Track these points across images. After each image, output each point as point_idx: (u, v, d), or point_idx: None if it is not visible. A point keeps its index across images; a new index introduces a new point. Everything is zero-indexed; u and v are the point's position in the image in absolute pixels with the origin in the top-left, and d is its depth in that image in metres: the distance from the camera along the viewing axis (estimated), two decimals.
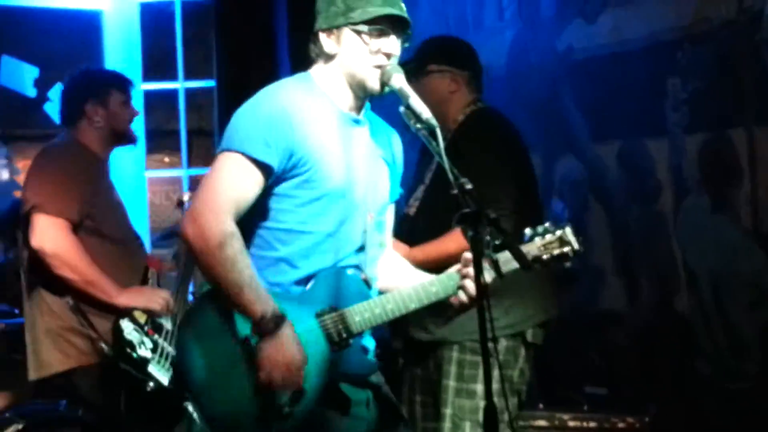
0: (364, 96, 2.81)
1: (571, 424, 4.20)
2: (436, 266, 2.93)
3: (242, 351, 2.64)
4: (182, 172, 6.42)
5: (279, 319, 2.61)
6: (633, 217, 4.85)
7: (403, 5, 2.76)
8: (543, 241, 2.77)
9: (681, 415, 4.40)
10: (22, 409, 4.14)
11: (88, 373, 3.79)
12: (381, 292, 2.86)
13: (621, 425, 4.15)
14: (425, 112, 2.67)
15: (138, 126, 6.08)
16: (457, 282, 2.76)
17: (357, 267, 2.82)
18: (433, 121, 2.66)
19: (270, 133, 2.66)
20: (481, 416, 2.97)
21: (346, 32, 2.74)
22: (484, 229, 2.50)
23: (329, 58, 2.79)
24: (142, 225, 5.96)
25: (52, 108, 6.09)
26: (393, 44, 2.75)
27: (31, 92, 6.41)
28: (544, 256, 2.77)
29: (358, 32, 2.72)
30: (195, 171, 6.34)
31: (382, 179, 2.91)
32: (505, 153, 3.61)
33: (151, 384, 3.66)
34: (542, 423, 4.20)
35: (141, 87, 6.19)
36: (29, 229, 3.71)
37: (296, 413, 2.65)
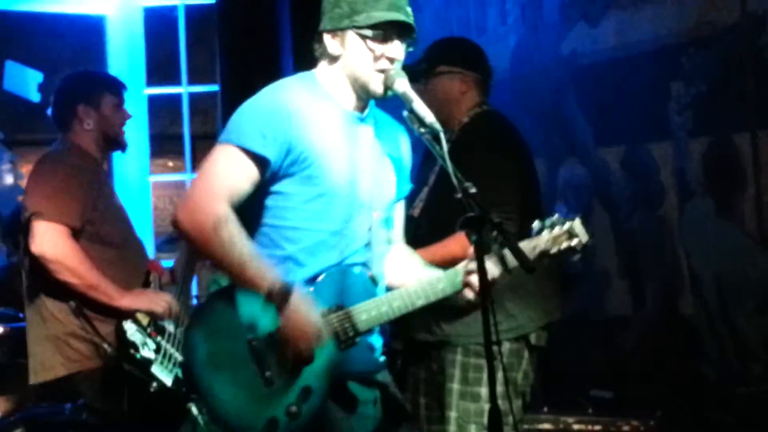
0: (366, 97, 2.82)
1: (576, 427, 4.19)
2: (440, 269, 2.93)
3: (249, 351, 2.64)
4: (186, 177, 6.42)
5: (287, 288, 2.61)
6: (637, 221, 4.84)
7: (409, 9, 2.75)
8: (551, 234, 2.76)
9: (686, 419, 4.39)
10: (27, 413, 4.13)
11: (90, 377, 3.79)
12: (389, 288, 2.86)
13: (626, 429, 4.14)
14: (429, 117, 2.67)
15: (141, 131, 6.15)
16: (463, 277, 2.75)
17: (364, 264, 2.82)
18: (437, 126, 2.66)
19: (268, 127, 2.67)
20: (485, 419, 2.97)
21: (351, 35, 2.74)
22: (488, 233, 2.50)
23: (333, 59, 2.79)
24: (146, 230, 5.97)
25: None
26: (397, 49, 2.74)
27: (36, 97, 6.42)
28: (553, 250, 2.76)
29: (363, 36, 2.72)
30: None
31: (389, 176, 2.90)
32: (509, 156, 3.61)
33: (155, 385, 3.66)
34: (547, 426, 4.20)
35: (145, 92, 6.21)
36: (30, 236, 3.72)
37: (304, 411, 2.65)
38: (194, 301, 4.16)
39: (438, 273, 2.82)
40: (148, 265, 4.02)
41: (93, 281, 3.71)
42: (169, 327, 3.85)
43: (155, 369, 3.68)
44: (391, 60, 2.73)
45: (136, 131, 5.97)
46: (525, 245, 2.74)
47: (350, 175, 2.76)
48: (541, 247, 2.75)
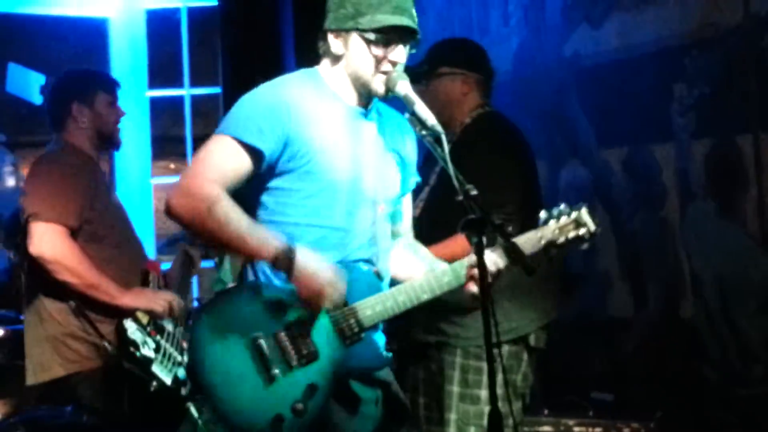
0: (368, 97, 2.82)
1: (577, 429, 4.19)
2: None
3: (255, 348, 2.64)
4: None
5: (291, 250, 2.62)
6: (639, 223, 4.84)
7: (414, 12, 2.75)
8: (558, 224, 2.72)
9: (687, 421, 4.39)
10: (27, 416, 4.12)
11: (89, 377, 3.79)
12: (396, 281, 2.84)
13: (626, 431, 4.14)
14: (430, 119, 2.68)
15: (143, 133, 6.15)
16: (467, 270, 2.73)
17: (368, 260, 2.81)
18: (438, 128, 2.66)
19: (265, 120, 2.68)
20: (485, 421, 2.97)
21: (354, 37, 2.74)
22: (490, 234, 2.50)
23: (336, 58, 2.79)
24: (147, 232, 5.97)
25: None
26: (400, 53, 2.74)
27: (38, 100, 6.40)
28: (560, 240, 2.72)
29: (366, 40, 2.72)
30: None
31: (393, 171, 2.90)
32: (510, 157, 3.61)
33: (155, 383, 3.66)
34: (547, 429, 4.20)
35: (147, 94, 6.21)
36: (28, 237, 3.72)
37: (309, 408, 2.64)
38: (195, 303, 4.15)
39: (444, 266, 2.80)
40: (146, 264, 4.02)
41: (93, 280, 3.71)
42: (169, 326, 3.85)
43: (155, 368, 3.68)
44: (394, 63, 2.74)
45: (138, 133, 5.98)
46: (531, 236, 2.72)
47: (353, 170, 2.76)
48: (548, 237, 2.72)
